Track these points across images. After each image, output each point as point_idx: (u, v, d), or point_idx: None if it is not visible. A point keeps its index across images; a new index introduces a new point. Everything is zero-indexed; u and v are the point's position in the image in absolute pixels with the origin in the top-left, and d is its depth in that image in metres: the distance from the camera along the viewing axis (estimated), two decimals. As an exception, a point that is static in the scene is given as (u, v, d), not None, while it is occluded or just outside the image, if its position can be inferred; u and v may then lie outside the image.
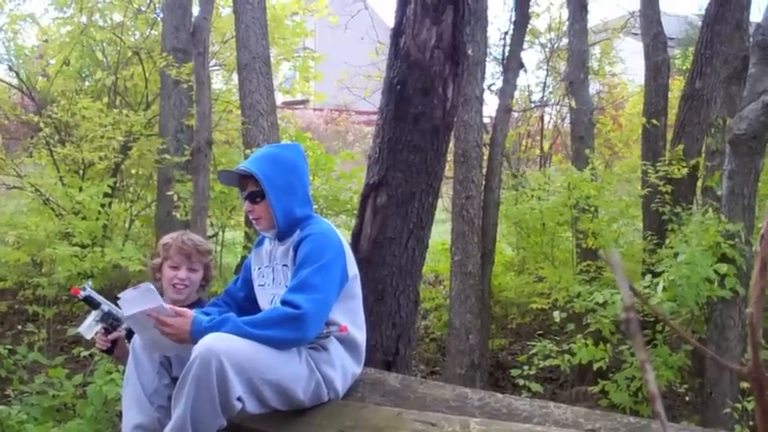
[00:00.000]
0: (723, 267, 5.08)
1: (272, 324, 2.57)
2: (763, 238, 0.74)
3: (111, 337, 3.09)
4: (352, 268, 2.91)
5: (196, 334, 2.57)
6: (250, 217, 3.01)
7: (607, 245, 6.94)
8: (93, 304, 3.04)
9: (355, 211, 4.33)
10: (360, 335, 2.94)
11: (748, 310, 0.73)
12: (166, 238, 3.33)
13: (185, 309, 2.72)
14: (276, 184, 2.85)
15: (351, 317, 2.87)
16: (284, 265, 2.86)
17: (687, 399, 5.92)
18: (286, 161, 2.93)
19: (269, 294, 2.91)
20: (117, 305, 2.91)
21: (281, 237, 2.91)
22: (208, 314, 2.77)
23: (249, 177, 2.89)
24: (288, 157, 2.96)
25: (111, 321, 3.06)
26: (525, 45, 9.14)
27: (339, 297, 2.80)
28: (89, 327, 3.07)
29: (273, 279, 2.91)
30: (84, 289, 3.02)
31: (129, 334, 3.06)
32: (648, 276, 5.55)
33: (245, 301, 3.10)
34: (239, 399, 2.51)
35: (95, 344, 3.20)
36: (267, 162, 2.91)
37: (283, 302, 2.63)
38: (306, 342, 2.69)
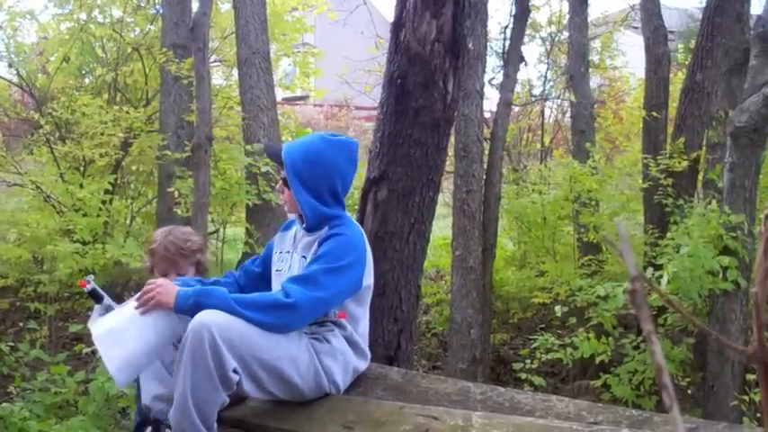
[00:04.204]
0: (725, 260, 5.08)
1: (260, 307, 2.55)
2: (767, 219, 0.74)
3: None
4: (368, 278, 2.85)
5: (182, 293, 2.57)
6: (280, 197, 3.00)
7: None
8: (97, 298, 3.04)
9: (356, 206, 4.32)
10: (362, 342, 2.90)
11: (753, 290, 0.73)
12: (153, 243, 3.24)
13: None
14: (303, 180, 2.79)
15: (353, 323, 2.84)
16: (303, 257, 2.81)
17: (689, 392, 5.92)
18: (322, 158, 2.81)
19: (281, 282, 2.89)
20: (116, 300, 2.93)
21: (310, 229, 2.86)
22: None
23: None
24: (327, 153, 2.82)
25: None
26: (526, 39, 9.15)
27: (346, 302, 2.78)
28: (95, 321, 3.08)
29: (290, 267, 2.87)
30: (89, 282, 3.02)
31: None
32: (650, 269, 5.54)
33: (257, 277, 3.07)
34: (235, 371, 2.49)
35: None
36: (299, 154, 2.82)
37: (282, 288, 2.62)
38: (290, 332, 2.65)
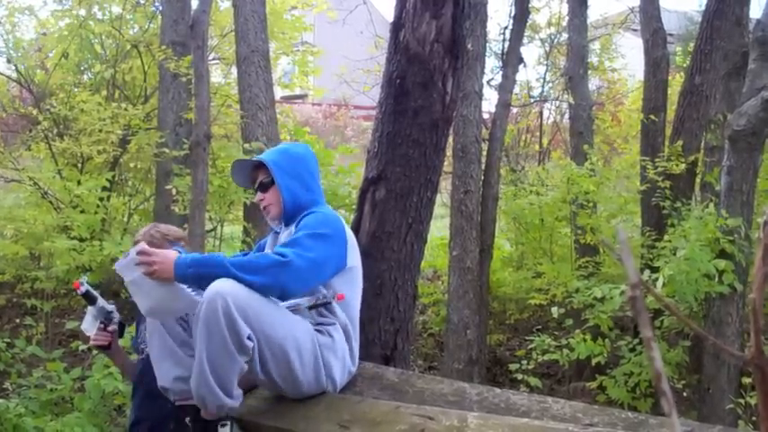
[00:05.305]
0: (721, 263, 5.08)
1: (258, 268, 2.58)
2: (766, 225, 0.74)
3: (110, 329, 3.11)
4: (352, 259, 2.91)
5: (181, 261, 2.58)
6: (261, 206, 3.08)
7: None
8: (90, 299, 3.06)
9: (354, 206, 4.32)
10: (353, 331, 2.92)
11: (751, 296, 0.73)
12: (137, 236, 3.29)
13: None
14: (284, 169, 2.98)
15: (346, 308, 2.87)
16: None
17: (685, 395, 5.93)
18: (294, 153, 3.11)
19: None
20: (107, 300, 2.97)
21: (288, 221, 2.97)
22: None
23: (259, 169, 3.02)
24: (296, 150, 3.15)
25: (106, 315, 3.10)
26: (525, 40, 9.15)
27: (335, 283, 2.82)
28: (91, 323, 3.10)
29: None
30: (83, 284, 3.02)
31: (121, 329, 3.18)
32: (647, 272, 5.55)
33: None
34: (249, 337, 2.51)
35: (91, 340, 3.21)
36: (275, 152, 3.10)
37: (274, 252, 2.68)
38: (289, 295, 2.68)
